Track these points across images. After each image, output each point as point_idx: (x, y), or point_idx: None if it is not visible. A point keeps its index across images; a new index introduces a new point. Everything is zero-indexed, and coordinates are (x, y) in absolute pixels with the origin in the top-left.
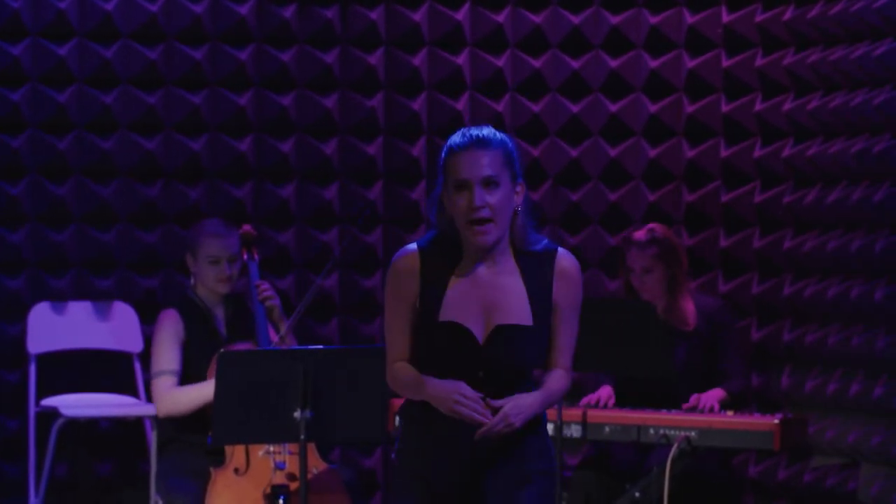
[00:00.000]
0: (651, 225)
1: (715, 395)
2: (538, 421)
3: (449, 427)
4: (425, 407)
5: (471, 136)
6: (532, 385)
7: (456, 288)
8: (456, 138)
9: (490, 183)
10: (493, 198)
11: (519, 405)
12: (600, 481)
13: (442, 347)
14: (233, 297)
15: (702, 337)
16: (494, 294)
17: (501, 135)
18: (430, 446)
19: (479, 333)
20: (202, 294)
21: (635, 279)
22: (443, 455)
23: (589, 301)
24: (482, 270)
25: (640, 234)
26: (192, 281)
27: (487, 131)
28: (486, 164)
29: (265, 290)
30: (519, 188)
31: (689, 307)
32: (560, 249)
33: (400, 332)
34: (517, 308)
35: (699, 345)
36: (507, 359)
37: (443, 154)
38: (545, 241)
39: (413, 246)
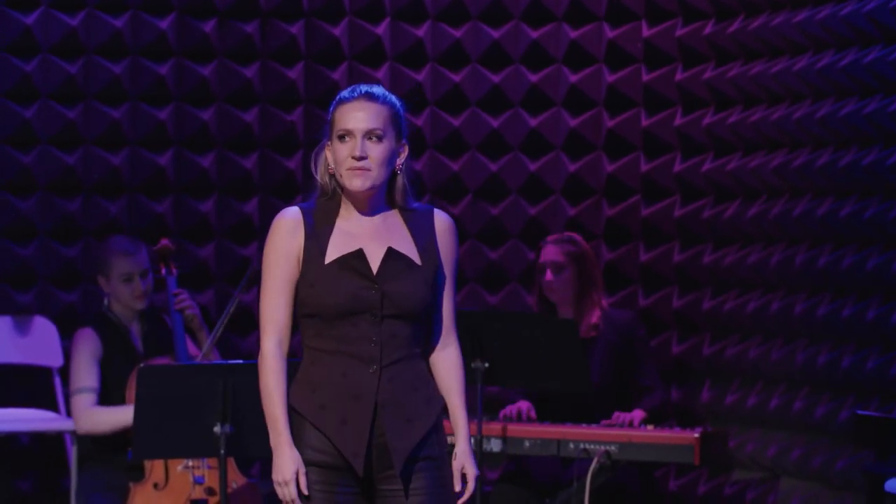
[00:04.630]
0: (570, 233)
1: (637, 416)
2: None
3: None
4: (313, 388)
5: (360, 90)
6: (422, 341)
7: (340, 235)
8: (345, 92)
9: (374, 136)
10: (374, 150)
11: (466, 455)
12: (520, 496)
13: (334, 289)
14: (148, 313)
15: (612, 348)
16: (380, 235)
17: (391, 95)
18: (331, 429)
19: (373, 262)
20: (117, 311)
21: (546, 278)
22: (343, 436)
23: (509, 315)
24: (366, 220)
25: (557, 235)
26: (107, 301)
27: (377, 88)
28: (371, 117)
29: (183, 299)
30: (402, 149)
31: (592, 319)
32: (436, 209)
33: (282, 295)
34: (405, 246)
35: (609, 356)
36: (403, 288)
37: (331, 107)
38: (421, 203)
39: (293, 206)
